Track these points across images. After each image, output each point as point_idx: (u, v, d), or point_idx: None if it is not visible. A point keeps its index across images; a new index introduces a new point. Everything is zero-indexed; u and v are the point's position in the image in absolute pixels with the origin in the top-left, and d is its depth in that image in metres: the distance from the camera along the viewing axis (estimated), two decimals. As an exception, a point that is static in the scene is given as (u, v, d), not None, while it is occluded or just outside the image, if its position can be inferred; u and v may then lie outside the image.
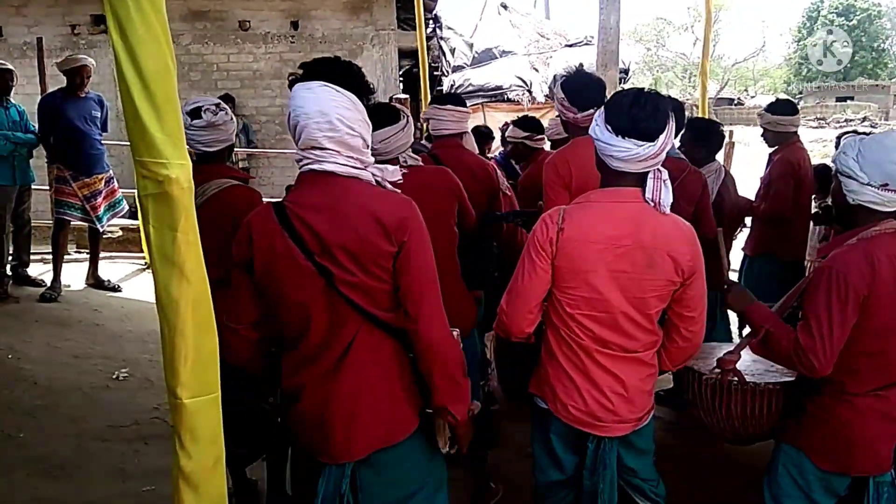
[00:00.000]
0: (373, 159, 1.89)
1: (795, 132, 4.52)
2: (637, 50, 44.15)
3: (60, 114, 5.51)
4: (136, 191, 1.43)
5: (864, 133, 4.81)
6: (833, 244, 2.16)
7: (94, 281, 6.10)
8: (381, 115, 2.76)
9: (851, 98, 36.44)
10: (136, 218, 6.71)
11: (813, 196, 4.84)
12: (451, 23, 13.01)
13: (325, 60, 2.09)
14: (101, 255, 6.30)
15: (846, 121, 28.23)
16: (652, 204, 2.00)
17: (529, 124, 4.55)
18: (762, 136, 4.56)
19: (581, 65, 3.38)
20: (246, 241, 1.86)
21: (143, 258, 6.87)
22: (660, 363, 2.17)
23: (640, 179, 2.01)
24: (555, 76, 3.13)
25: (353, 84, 1.87)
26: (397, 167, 1.94)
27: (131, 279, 6.55)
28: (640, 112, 1.95)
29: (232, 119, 2.72)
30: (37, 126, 5.67)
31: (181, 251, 1.42)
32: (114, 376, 4.43)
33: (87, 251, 6.26)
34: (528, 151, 4.56)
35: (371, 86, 2.08)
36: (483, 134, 5.86)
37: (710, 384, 2.35)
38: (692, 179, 3.51)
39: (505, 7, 13.95)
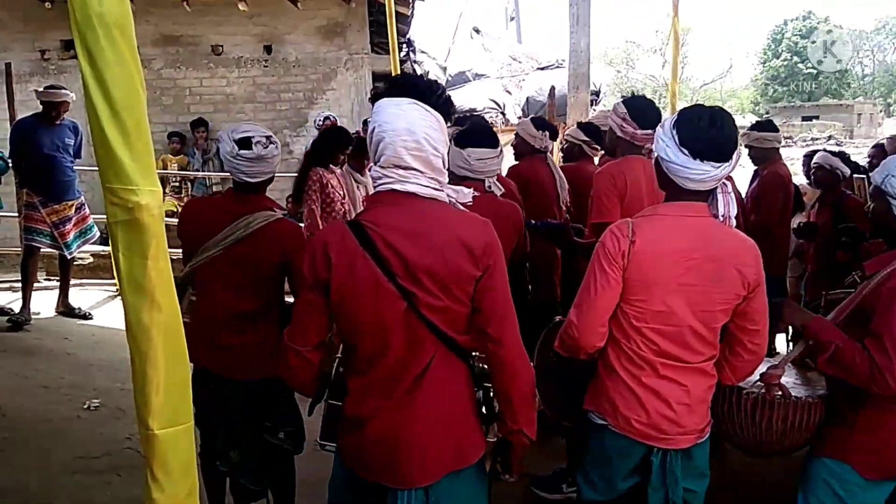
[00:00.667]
0: (447, 180, 1.86)
1: (778, 149, 4.72)
2: (608, 72, 44.79)
3: (33, 140, 5.47)
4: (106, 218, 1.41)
5: (831, 151, 4.94)
6: (883, 260, 2.16)
7: (65, 308, 5.99)
8: (482, 136, 2.92)
9: (817, 117, 37.34)
10: (107, 244, 6.62)
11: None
12: (425, 46, 13.11)
13: (411, 78, 2.02)
14: (72, 282, 6.20)
15: (812, 139, 28.89)
16: (722, 219, 2.03)
17: (592, 131, 4.51)
18: (749, 154, 4.69)
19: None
20: (323, 261, 1.78)
21: (115, 285, 6.78)
22: (722, 377, 2.15)
23: (707, 193, 2.03)
24: (621, 101, 3.21)
25: (438, 104, 1.82)
26: (471, 190, 1.92)
27: (103, 306, 6.44)
28: (718, 134, 1.95)
29: (279, 152, 2.68)
30: (7, 151, 5.60)
31: (152, 278, 1.39)
32: (84, 406, 4.33)
33: (57, 279, 6.15)
34: (581, 156, 4.56)
35: (454, 107, 1.98)
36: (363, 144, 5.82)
37: (751, 398, 2.29)
38: None
39: (477, 31, 14.11)
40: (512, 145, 4.25)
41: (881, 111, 43.65)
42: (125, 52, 1.34)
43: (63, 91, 5.63)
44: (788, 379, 2.39)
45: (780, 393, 2.25)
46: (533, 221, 3.34)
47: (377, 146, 1.77)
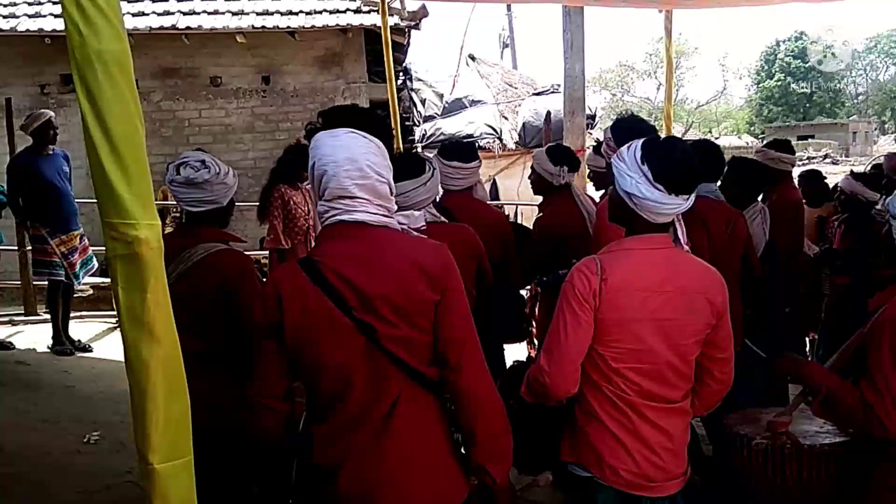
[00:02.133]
0: (395, 207, 1.80)
1: (790, 171, 4.53)
2: (603, 96, 45.27)
3: (35, 173, 5.51)
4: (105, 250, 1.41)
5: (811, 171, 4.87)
6: (885, 296, 2.08)
7: (66, 340, 5.96)
8: (405, 166, 2.61)
9: (812, 136, 37.61)
10: (106, 276, 6.63)
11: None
12: (422, 74, 13.26)
13: (345, 108, 1.98)
14: (72, 314, 6.19)
15: (808, 158, 29.04)
16: (685, 248, 2.00)
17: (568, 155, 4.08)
18: None
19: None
20: (274, 302, 1.70)
21: (115, 317, 6.76)
22: (692, 409, 2.08)
23: (668, 224, 1.98)
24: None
25: (375, 130, 1.78)
26: (422, 213, 1.91)
27: (102, 338, 6.42)
28: (690, 166, 1.92)
29: (222, 180, 2.46)
30: (5, 187, 5.62)
31: (151, 312, 1.40)
32: (85, 440, 4.30)
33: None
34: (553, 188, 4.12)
35: (391, 131, 1.93)
36: None
37: (760, 450, 2.18)
38: (740, 222, 3.42)
39: (472, 58, 14.25)
40: (530, 179, 3.94)
41: (876, 129, 43.97)
42: (124, 89, 1.36)
43: (41, 111, 5.67)
44: (812, 427, 2.25)
45: (788, 442, 2.15)
46: (544, 278, 3.17)
47: (320, 180, 1.71)
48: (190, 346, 2.38)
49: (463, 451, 1.83)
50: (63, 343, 5.79)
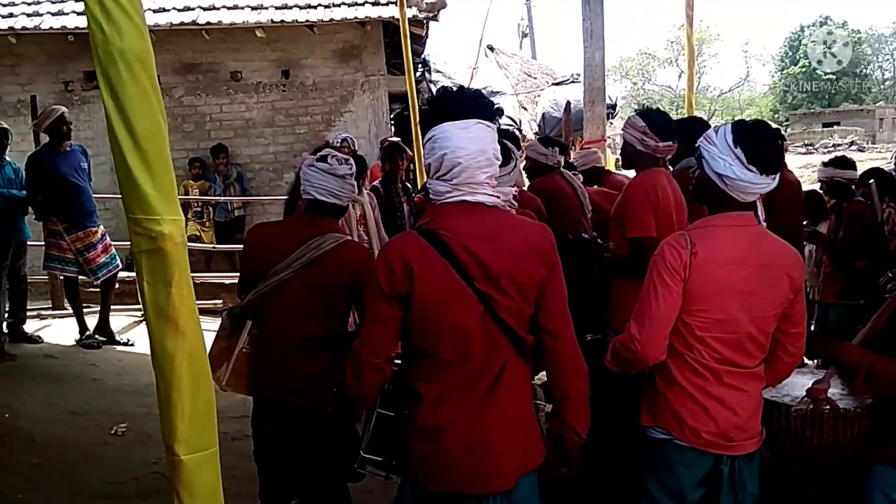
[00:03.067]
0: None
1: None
2: (624, 85, 44.87)
3: (52, 170, 5.52)
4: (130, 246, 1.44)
5: (831, 161, 4.94)
6: None
7: (105, 334, 6.03)
8: None
9: (837, 123, 36.92)
10: (131, 269, 6.71)
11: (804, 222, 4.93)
12: (440, 65, 13.23)
13: (459, 94, 2.01)
14: (93, 308, 6.26)
15: (834, 146, 28.57)
16: (764, 225, 2.12)
17: (549, 142, 4.64)
18: None
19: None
20: (403, 273, 1.83)
21: (141, 310, 6.85)
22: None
23: (750, 204, 2.09)
24: (635, 112, 3.31)
25: (488, 115, 1.90)
26: (512, 189, 2.06)
27: (129, 331, 6.51)
28: (779, 147, 2.06)
29: (352, 182, 2.61)
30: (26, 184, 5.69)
31: (175, 306, 1.42)
32: (112, 432, 4.38)
33: (97, 305, 6.21)
34: (600, 173, 4.69)
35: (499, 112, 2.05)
36: (391, 148, 5.89)
37: (800, 415, 2.34)
38: None
39: (492, 49, 14.19)
40: (525, 168, 4.39)
41: (903, 115, 43.09)
42: (146, 86, 1.38)
43: (52, 108, 5.72)
44: (834, 391, 2.42)
45: (828, 407, 2.30)
46: (570, 235, 3.41)
47: (450, 168, 1.84)
48: (311, 331, 2.52)
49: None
50: (91, 336, 5.86)
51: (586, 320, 2.99)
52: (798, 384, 2.43)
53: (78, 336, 5.94)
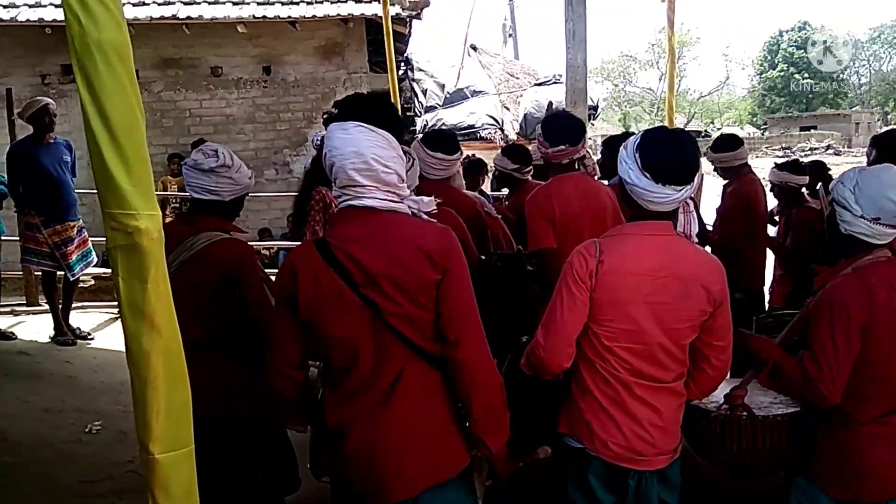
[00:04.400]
0: (408, 192, 1.92)
1: (744, 164, 4.63)
2: (605, 87, 45.13)
3: (34, 161, 5.46)
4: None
5: (782, 164, 4.97)
6: (827, 275, 2.21)
7: (66, 329, 5.97)
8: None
9: (814, 127, 37.49)
10: (107, 266, 6.63)
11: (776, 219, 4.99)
12: (423, 64, 13.19)
13: (359, 98, 2.06)
14: (74, 304, 6.19)
15: (811, 149, 28.99)
16: (683, 235, 2.09)
17: (518, 155, 4.55)
18: (713, 170, 4.70)
19: (550, 103, 3.55)
20: (289, 278, 1.84)
21: (116, 307, 6.77)
22: (687, 393, 2.16)
23: (671, 213, 2.06)
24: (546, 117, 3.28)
25: (386, 120, 1.89)
26: (432, 198, 1.97)
27: (104, 329, 6.43)
28: (680, 158, 1.99)
29: (228, 174, 2.50)
30: (5, 176, 5.61)
31: (151, 302, 1.40)
32: (86, 430, 4.32)
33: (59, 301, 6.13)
34: (516, 181, 4.57)
35: (402, 120, 2.06)
36: (476, 165, 5.87)
37: (718, 421, 2.32)
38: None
39: (475, 48, 14.19)
40: (494, 176, 4.47)
41: (879, 120, 43.76)
42: (124, 79, 1.36)
43: (38, 98, 5.64)
44: (765, 398, 2.42)
45: (745, 413, 2.29)
46: (494, 253, 3.32)
47: (329, 169, 1.86)
48: (190, 335, 2.41)
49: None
50: (65, 333, 5.79)
51: (529, 324, 2.96)
52: (723, 390, 2.39)
53: (53, 333, 5.86)
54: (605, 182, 3.87)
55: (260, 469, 2.54)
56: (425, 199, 1.94)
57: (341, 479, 1.94)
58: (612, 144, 4.34)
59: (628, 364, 2.03)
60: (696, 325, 2.04)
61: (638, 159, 1.98)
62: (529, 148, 4.72)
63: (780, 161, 5.27)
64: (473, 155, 6.77)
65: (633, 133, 3.12)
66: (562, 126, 3.15)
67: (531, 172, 4.60)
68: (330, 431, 1.91)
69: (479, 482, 1.96)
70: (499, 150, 4.60)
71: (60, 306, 5.96)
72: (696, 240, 2.12)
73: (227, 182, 2.50)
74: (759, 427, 2.28)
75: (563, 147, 3.09)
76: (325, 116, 1.99)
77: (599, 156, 4.65)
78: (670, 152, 1.98)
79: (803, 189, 4.79)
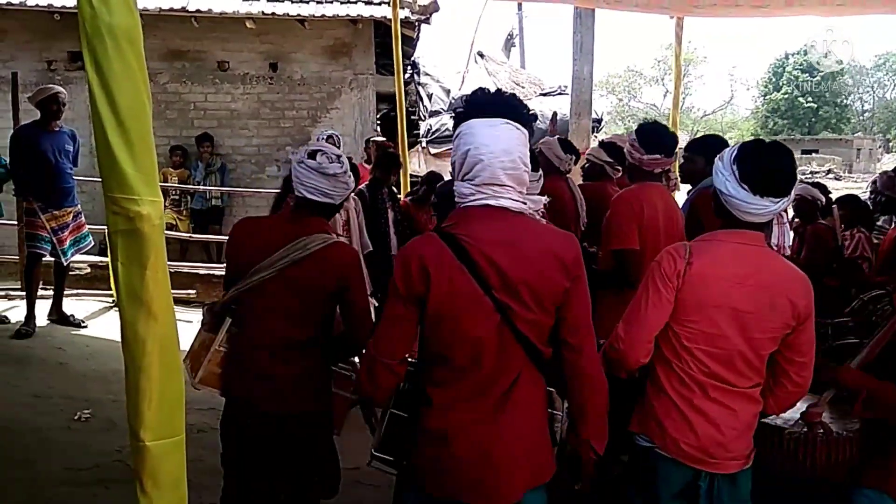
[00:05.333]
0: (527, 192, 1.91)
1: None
2: (610, 100, 45.27)
3: (35, 146, 5.47)
4: (106, 227, 1.41)
5: (810, 184, 5.06)
6: None
7: (58, 316, 5.96)
8: None
9: (816, 151, 37.59)
10: (104, 255, 6.61)
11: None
12: (430, 69, 13.20)
13: (501, 96, 1.98)
14: (68, 291, 6.18)
15: (812, 173, 29.05)
16: (776, 248, 2.07)
17: (614, 151, 4.50)
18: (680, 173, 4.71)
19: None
20: (420, 275, 1.79)
21: (111, 296, 6.75)
22: (765, 407, 2.17)
23: (764, 224, 2.08)
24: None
25: (522, 119, 1.86)
26: (541, 198, 1.96)
27: (98, 317, 6.40)
28: (779, 170, 2.00)
29: (346, 180, 2.48)
30: (8, 159, 5.61)
31: (149, 289, 1.39)
32: (75, 417, 4.29)
33: (52, 287, 6.12)
34: (603, 176, 4.56)
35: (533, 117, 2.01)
36: (391, 158, 5.84)
37: (793, 438, 2.35)
38: None
39: (481, 55, 14.21)
40: (583, 168, 4.36)
41: (880, 147, 43.97)
42: (133, 63, 1.36)
43: (50, 85, 5.64)
44: (825, 415, 2.44)
45: (822, 430, 2.31)
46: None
47: (472, 166, 1.80)
48: (289, 334, 2.43)
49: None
50: (29, 325, 5.58)
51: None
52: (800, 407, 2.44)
53: (46, 317, 5.84)
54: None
55: (319, 469, 2.56)
56: (534, 197, 1.92)
57: (437, 480, 1.87)
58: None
59: (705, 367, 2.05)
60: (778, 337, 2.05)
61: (736, 171, 2.00)
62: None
63: None
64: (390, 145, 6.75)
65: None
66: (659, 136, 3.22)
67: (621, 173, 4.54)
68: (429, 433, 1.86)
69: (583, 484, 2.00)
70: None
71: (53, 293, 5.95)
72: (788, 251, 2.13)
73: (342, 187, 2.49)
74: (834, 443, 2.32)
75: (658, 157, 3.17)
76: (456, 111, 1.92)
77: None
78: (769, 164, 2.01)
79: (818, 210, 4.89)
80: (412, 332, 1.87)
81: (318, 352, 2.48)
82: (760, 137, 2.13)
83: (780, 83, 47.91)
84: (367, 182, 5.53)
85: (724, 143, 3.71)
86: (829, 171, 30.72)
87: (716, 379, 2.05)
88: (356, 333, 2.43)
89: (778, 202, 2.01)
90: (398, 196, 5.90)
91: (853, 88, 51.81)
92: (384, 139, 8.06)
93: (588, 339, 1.87)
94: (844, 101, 50.28)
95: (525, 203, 1.85)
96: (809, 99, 46.36)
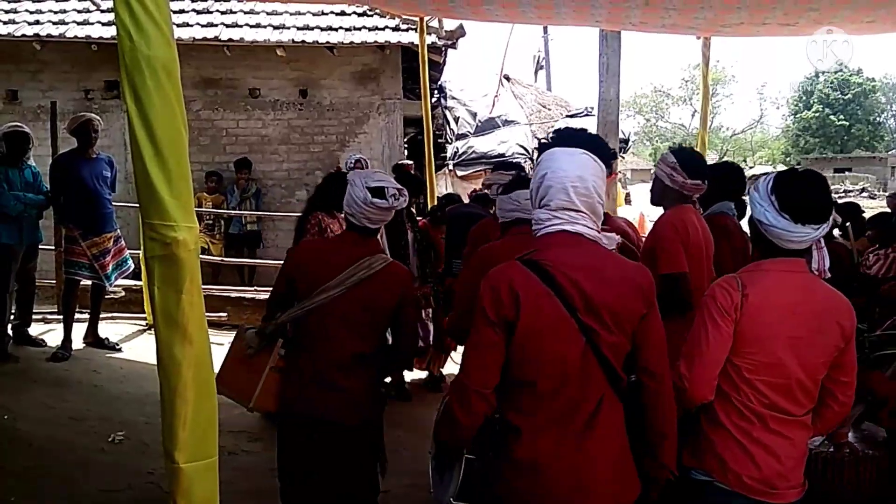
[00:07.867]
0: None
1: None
2: (637, 121, 45.14)
3: (74, 174, 5.61)
4: (140, 252, 1.45)
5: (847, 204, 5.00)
6: None
7: (93, 339, 6.06)
8: (524, 182, 3.01)
9: (849, 170, 37.00)
10: (138, 278, 6.73)
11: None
12: (456, 92, 13.32)
13: (579, 130, 2.09)
14: (103, 314, 6.29)
15: (845, 191, 28.56)
16: (817, 273, 2.13)
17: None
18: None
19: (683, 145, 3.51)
20: (510, 300, 1.82)
21: (145, 319, 6.86)
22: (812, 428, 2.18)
23: (805, 250, 2.11)
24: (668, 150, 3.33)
25: (602, 156, 1.94)
26: (615, 236, 2.01)
27: (132, 340, 6.51)
28: (817, 198, 2.04)
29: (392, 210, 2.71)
30: (48, 186, 5.76)
31: (185, 312, 1.43)
32: (109, 439, 4.36)
33: (88, 310, 6.24)
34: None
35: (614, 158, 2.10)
36: (483, 199, 5.90)
37: (821, 458, 2.36)
38: None
39: (508, 79, 14.30)
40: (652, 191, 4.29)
41: (915, 164, 43.05)
42: (170, 94, 1.40)
43: (85, 113, 5.82)
44: (850, 435, 2.50)
45: (848, 451, 2.35)
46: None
47: (547, 190, 1.89)
48: (356, 348, 2.60)
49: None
50: (66, 349, 5.67)
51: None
52: None
53: (82, 340, 5.95)
54: None
55: (372, 473, 2.73)
56: (610, 235, 1.97)
57: None
58: None
59: (766, 398, 2.05)
60: (830, 360, 2.07)
61: (774, 201, 2.03)
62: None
63: None
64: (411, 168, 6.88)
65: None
66: (702, 163, 3.29)
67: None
68: (518, 463, 1.86)
69: None
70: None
71: (89, 316, 6.06)
72: (828, 275, 2.15)
73: (389, 216, 2.71)
74: (861, 462, 2.36)
75: (699, 182, 3.19)
76: (541, 142, 2.02)
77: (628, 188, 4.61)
78: (807, 192, 2.03)
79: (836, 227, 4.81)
80: (502, 360, 1.86)
81: (375, 364, 2.66)
82: (793, 167, 2.17)
83: (811, 101, 47.35)
84: None
85: (736, 170, 3.79)
86: (862, 190, 30.18)
87: (775, 409, 2.05)
88: (404, 347, 2.67)
89: (818, 228, 2.03)
90: (416, 218, 5.94)
91: (886, 105, 50.98)
92: (411, 162, 8.13)
93: (666, 367, 1.93)
94: (877, 118, 49.48)
95: (599, 232, 1.90)
96: (841, 117, 45.69)
